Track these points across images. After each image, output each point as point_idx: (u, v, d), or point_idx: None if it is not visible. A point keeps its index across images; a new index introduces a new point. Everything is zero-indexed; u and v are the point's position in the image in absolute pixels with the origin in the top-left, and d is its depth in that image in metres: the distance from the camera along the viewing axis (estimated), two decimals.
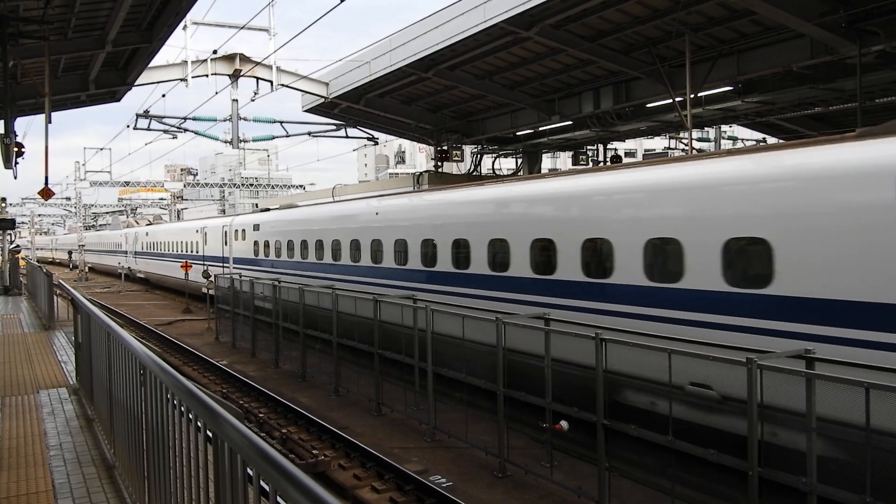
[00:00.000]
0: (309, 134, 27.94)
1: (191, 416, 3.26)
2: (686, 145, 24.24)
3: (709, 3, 14.32)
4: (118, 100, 20.78)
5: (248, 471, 2.55)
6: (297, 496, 1.93)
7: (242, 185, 67.30)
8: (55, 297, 16.60)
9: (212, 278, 23.97)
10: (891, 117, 17.22)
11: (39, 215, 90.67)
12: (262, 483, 2.37)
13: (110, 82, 19.01)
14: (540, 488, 9.18)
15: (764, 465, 6.67)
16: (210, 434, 2.93)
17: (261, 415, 12.98)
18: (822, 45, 14.39)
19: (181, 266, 31.88)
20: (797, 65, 15.45)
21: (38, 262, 47.49)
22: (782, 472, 6.59)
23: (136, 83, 19.31)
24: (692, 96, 16.61)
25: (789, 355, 6.99)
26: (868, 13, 12.86)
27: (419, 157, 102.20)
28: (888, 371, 6.24)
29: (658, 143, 48.41)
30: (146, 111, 24.77)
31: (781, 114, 20.97)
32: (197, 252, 32.55)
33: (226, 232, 28.42)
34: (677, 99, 17.34)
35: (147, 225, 52.84)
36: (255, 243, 24.59)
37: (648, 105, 20.20)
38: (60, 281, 16.19)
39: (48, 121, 14.52)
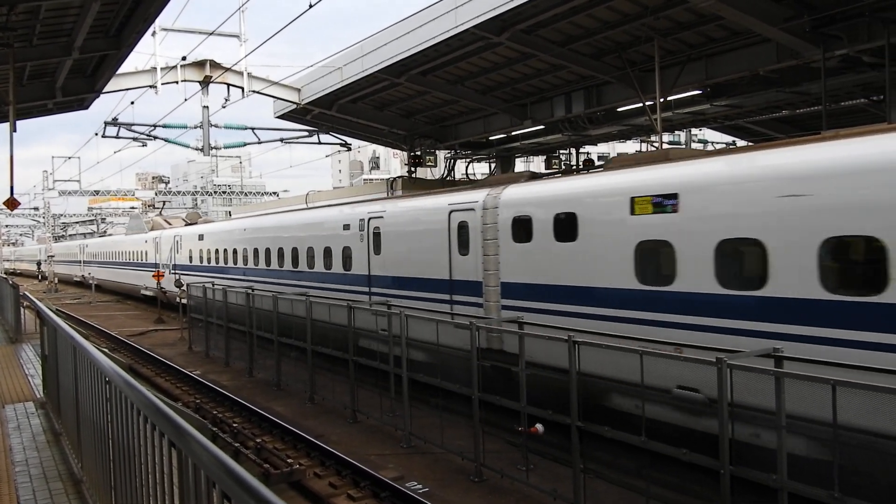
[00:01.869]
0: (281, 140, 27.76)
1: (152, 423, 3.21)
2: (657, 149, 24.46)
3: (677, 9, 14.48)
4: (86, 107, 20.47)
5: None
6: None
7: (215, 192, 66.80)
8: (22, 310, 16.30)
9: (184, 287, 23.68)
10: (855, 120, 17.61)
11: (7, 226, 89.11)
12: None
13: (78, 90, 18.72)
14: (516, 492, 9.19)
15: (735, 464, 6.74)
16: (173, 444, 2.89)
17: (235, 424, 12.84)
18: (787, 49, 14.62)
19: (153, 276, 31.28)
20: (764, 69, 15.67)
21: (7, 273, 45.57)
22: (753, 470, 6.67)
23: (104, 90, 19.05)
24: (662, 100, 16.78)
25: (759, 354, 7.08)
26: (831, 18, 13.09)
27: (394, 162, 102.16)
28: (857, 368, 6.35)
29: (630, 147, 48.84)
30: (115, 119, 24.44)
31: (749, 117, 21.26)
32: (347, 269, 16.91)
33: (454, 224, 13.23)
34: (648, 103, 17.51)
35: (188, 225, 33.65)
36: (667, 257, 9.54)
37: (619, 109, 20.36)
38: (27, 293, 15.91)
39: (13, 129, 14.27)
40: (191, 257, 28.92)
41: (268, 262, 21.18)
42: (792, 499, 6.40)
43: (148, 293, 34.65)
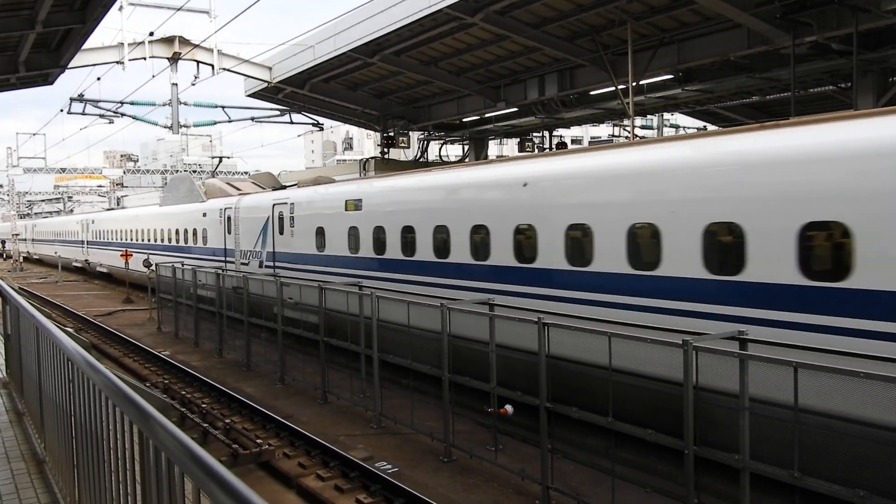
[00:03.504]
0: (252, 119, 27.45)
1: (117, 409, 3.18)
2: (629, 133, 24.64)
3: None
4: (51, 83, 19.98)
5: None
6: (219, 494, 1.90)
7: (185, 171, 65.83)
8: None
9: (153, 266, 23.37)
10: (823, 106, 17.86)
11: None
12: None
13: (42, 64, 18.24)
14: (485, 472, 9.28)
15: (699, 444, 6.87)
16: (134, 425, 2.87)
17: (204, 405, 12.77)
18: (758, 35, 14.76)
19: (121, 255, 30.25)
20: (735, 54, 15.83)
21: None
22: (716, 450, 6.80)
23: (69, 66, 18.60)
24: (634, 84, 16.87)
25: (723, 337, 7.20)
26: (801, 5, 13.24)
27: (367, 143, 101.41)
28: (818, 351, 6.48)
29: (603, 131, 49.07)
30: (81, 95, 23.95)
31: (720, 102, 21.48)
32: None
33: None
34: (620, 86, 17.58)
35: (276, 190, 21.56)
36: None
37: (592, 92, 20.44)
38: None
39: None
40: (322, 241, 16.54)
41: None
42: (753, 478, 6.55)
43: (207, 293, 18.73)
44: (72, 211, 72.63)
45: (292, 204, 18.18)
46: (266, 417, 11.79)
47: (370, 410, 11.68)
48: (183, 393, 13.69)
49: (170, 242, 27.28)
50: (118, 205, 60.84)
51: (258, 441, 10.44)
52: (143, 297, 27.90)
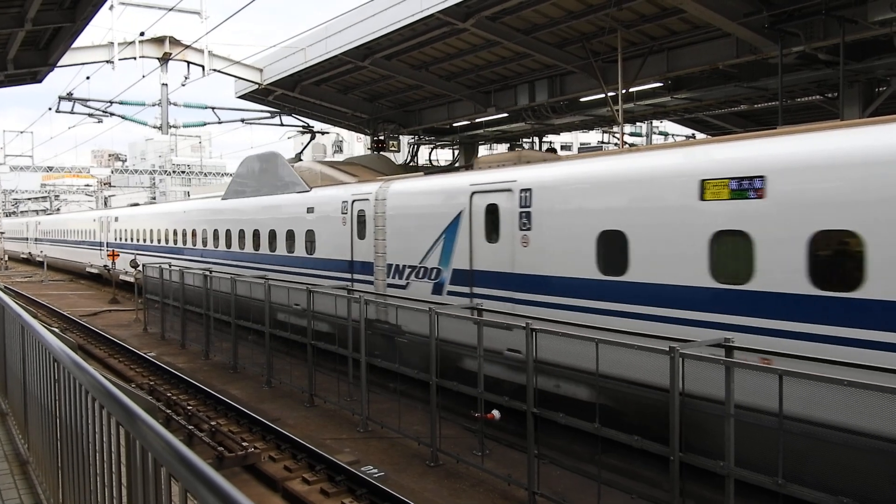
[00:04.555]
0: (242, 121, 27.33)
1: (100, 404, 3.17)
2: (619, 140, 24.73)
3: (640, 1, 14.62)
4: (39, 81, 19.85)
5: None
6: (207, 495, 1.90)
7: (174, 172, 65.58)
8: None
9: (139, 266, 23.22)
10: (810, 116, 18.02)
11: None
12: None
13: (31, 62, 18.12)
14: (471, 477, 9.28)
15: (685, 451, 6.90)
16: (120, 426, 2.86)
17: (189, 407, 12.70)
18: (746, 44, 14.88)
19: (109, 255, 30.07)
20: (723, 63, 15.93)
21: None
22: (701, 457, 6.84)
23: (58, 64, 18.49)
24: (624, 91, 16.94)
25: (709, 344, 7.24)
26: (789, 15, 13.36)
27: (357, 146, 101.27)
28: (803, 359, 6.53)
29: (593, 137, 49.28)
30: (70, 93, 23.78)
31: (709, 111, 21.58)
32: None
33: None
34: (610, 94, 17.66)
35: (427, 172, 17.28)
36: None
37: (582, 99, 20.50)
38: None
39: None
40: (619, 259, 9.48)
41: None
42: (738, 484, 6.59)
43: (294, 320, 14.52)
44: (58, 210, 72.06)
45: (525, 192, 11.06)
46: (252, 420, 11.76)
47: (357, 414, 11.67)
48: (169, 395, 13.63)
49: (242, 249, 19.99)
50: (105, 205, 60.43)
51: (244, 444, 10.40)
52: (130, 298, 27.72)
